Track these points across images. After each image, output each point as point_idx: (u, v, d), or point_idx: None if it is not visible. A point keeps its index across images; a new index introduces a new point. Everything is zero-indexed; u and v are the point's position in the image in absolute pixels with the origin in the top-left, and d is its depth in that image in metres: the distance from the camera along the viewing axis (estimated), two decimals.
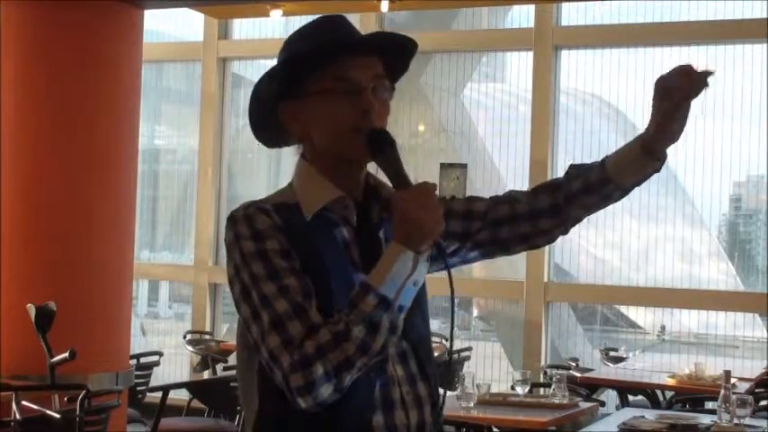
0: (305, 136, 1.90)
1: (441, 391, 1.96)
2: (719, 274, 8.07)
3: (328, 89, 1.83)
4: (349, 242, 1.85)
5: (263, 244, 1.78)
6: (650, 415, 4.72)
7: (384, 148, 1.81)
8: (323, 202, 1.85)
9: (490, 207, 2.01)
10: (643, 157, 1.92)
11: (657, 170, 1.95)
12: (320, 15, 1.96)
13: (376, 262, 1.73)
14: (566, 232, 2.04)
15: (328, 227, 1.85)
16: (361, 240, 1.87)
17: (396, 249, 1.71)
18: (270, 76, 1.89)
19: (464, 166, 8.04)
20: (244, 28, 9.11)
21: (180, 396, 7.00)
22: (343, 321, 1.69)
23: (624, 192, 1.99)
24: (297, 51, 1.87)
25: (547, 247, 7.76)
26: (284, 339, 1.71)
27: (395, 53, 1.93)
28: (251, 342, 1.77)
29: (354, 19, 8.54)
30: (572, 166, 2.01)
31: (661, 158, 1.93)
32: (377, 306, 1.69)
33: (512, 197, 2.02)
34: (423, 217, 1.71)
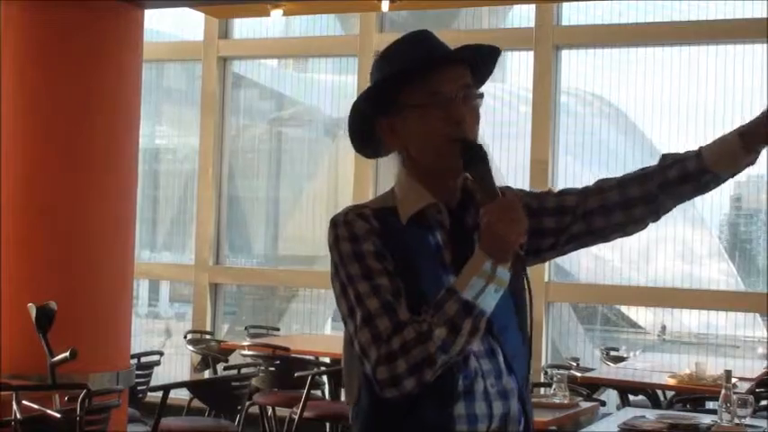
0: (402, 148, 2.04)
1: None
2: (720, 274, 8.07)
3: (422, 104, 1.96)
4: (442, 245, 1.99)
5: (359, 246, 1.95)
6: (651, 415, 4.72)
7: (476, 163, 1.94)
8: (417, 208, 1.99)
9: (580, 200, 2.09)
10: (740, 150, 2.00)
11: (752, 163, 2.03)
12: (408, 32, 2.07)
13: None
14: (657, 220, 2.14)
15: (423, 230, 1.99)
16: (454, 244, 2.00)
17: (480, 258, 1.86)
18: (368, 92, 2.03)
19: None
20: (244, 28, 9.12)
21: (180, 396, 7.00)
22: (427, 322, 1.85)
23: (719, 182, 2.06)
24: (390, 69, 1.99)
25: None
26: (373, 334, 1.87)
27: (480, 60, 2.04)
28: (349, 336, 1.95)
29: (355, 19, 8.57)
30: (665, 156, 2.09)
31: (759, 151, 2.01)
32: (459, 310, 1.84)
33: (602, 187, 2.10)
34: (506, 231, 1.84)
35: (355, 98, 2.06)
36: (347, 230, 1.97)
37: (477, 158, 1.94)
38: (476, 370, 1.94)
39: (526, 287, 1.96)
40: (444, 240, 1.99)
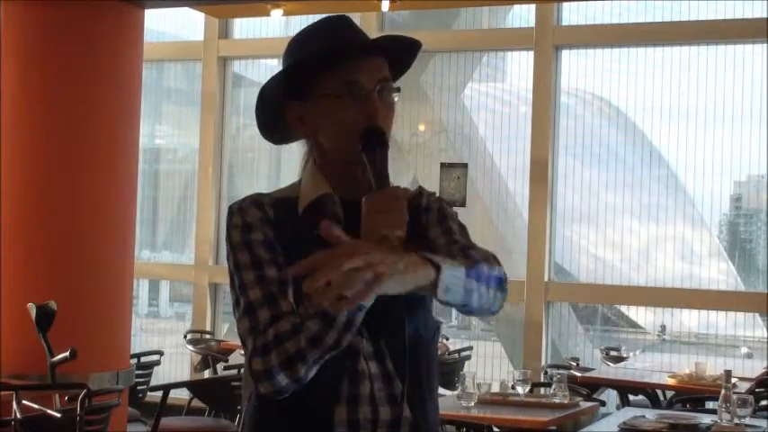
0: (311, 136, 1.96)
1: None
2: (720, 274, 8.08)
3: (335, 93, 1.88)
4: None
5: (249, 235, 1.87)
6: (651, 415, 4.73)
7: (374, 147, 1.85)
8: (312, 197, 1.92)
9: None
10: None
11: None
12: (324, 16, 1.98)
13: None
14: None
15: (318, 221, 1.87)
16: (350, 236, 1.85)
17: None
18: (277, 77, 1.93)
19: (465, 166, 8.04)
20: (244, 27, 9.11)
21: (180, 395, 7.00)
22: (301, 314, 1.77)
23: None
24: (304, 54, 1.91)
25: (547, 247, 7.77)
26: (252, 325, 1.80)
27: (399, 53, 1.96)
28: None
29: (355, 19, 8.57)
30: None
31: None
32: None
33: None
34: (380, 220, 1.75)
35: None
36: (240, 218, 1.89)
37: (376, 142, 1.85)
38: (363, 373, 1.86)
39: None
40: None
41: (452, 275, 1.71)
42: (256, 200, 1.92)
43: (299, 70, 1.91)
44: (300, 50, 1.93)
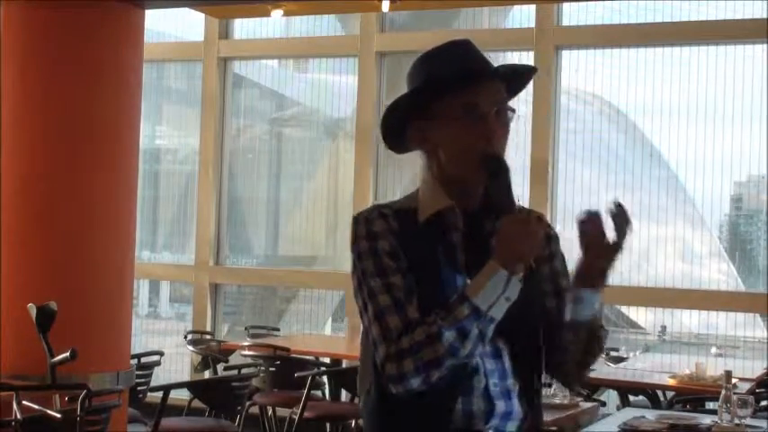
0: (431, 152, 2.09)
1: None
2: (720, 275, 8.07)
3: (456, 115, 2.02)
4: (457, 247, 2.04)
5: (375, 244, 2.02)
6: (651, 415, 4.72)
7: (497, 175, 1.99)
8: (434, 209, 2.06)
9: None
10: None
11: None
12: (449, 41, 2.11)
13: (480, 267, 1.93)
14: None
15: (439, 232, 2.05)
16: (469, 247, 2.05)
17: (493, 267, 1.91)
18: (408, 95, 2.08)
19: None
20: (244, 28, 9.11)
21: (180, 396, 7.00)
22: (437, 324, 1.91)
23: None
24: (429, 76, 2.06)
25: None
26: (383, 331, 1.96)
27: (516, 77, 2.14)
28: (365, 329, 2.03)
29: (355, 19, 8.57)
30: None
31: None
32: (469, 315, 1.90)
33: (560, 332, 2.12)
34: (520, 243, 1.91)
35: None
36: (365, 228, 2.04)
37: (498, 170, 1.99)
38: (479, 368, 2.00)
39: (537, 296, 2.05)
40: (459, 243, 2.05)
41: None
42: (380, 210, 2.07)
43: (425, 91, 2.05)
44: (426, 71, 2.07)
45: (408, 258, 2.01)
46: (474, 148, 2.01)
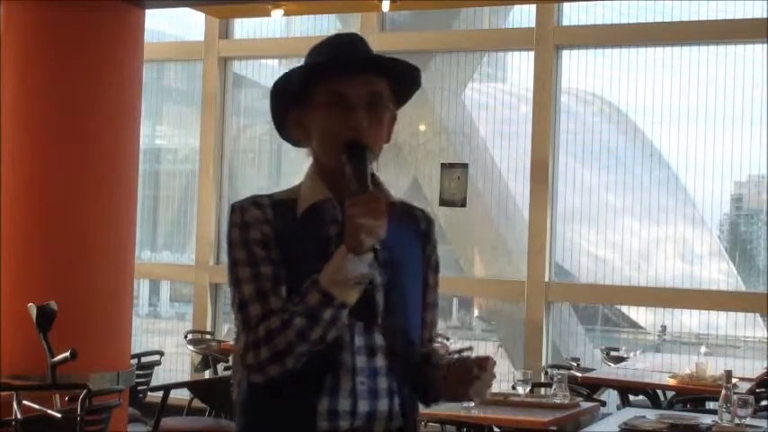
0: (307, 141, 2.09)
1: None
2: (720, 275, 8.07)
3: (326, 103, 2.02)
4: (332, 239, 2.00)
5: (247, 233, 2.00)
6: (651, 415, 4.72)
7: (354, 159, 1.97)
8: (311, 201, 2.05)
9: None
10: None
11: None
12: (336, 33, 2.13)
13: None
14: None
15: (316, 224, 2.03)
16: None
17: (341, 251, 1.90)
18: (280, 81, 2.08)
19: (465, 166, 8.04)
20: (245, 28, 9.11)
21: (181, 396, 7.00)
22: (291, 311, 1.91)
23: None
24: (306, 64, 2.06)
25: (548, 247, 7.76)
26: (245, 320, 1.96)
27: (399, 77, 2.08)
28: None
29: (355, 19, 8.57)
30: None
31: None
32: (319, 300, 1.90)
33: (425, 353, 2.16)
34: (362, 223, 1.87)
35: None
36: (239, 217, 2.02)
37: (355, 155, 1.97)
38: (347, 367, 1.98)
39: (411, 295, 2.06)
40: (335, 235, 2.00)
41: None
42: (256, 200, 2.04)
43: (297, 78, 2.05)
44: (306, 58, 2.08)
45: (283, 250, 1.99)
46: (338, 135, 1.99)
